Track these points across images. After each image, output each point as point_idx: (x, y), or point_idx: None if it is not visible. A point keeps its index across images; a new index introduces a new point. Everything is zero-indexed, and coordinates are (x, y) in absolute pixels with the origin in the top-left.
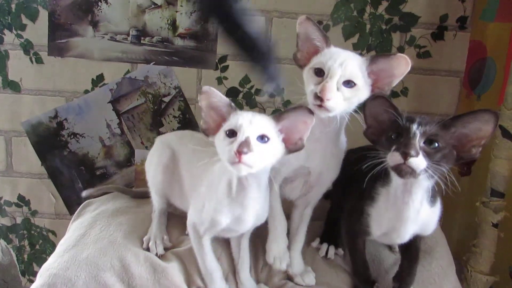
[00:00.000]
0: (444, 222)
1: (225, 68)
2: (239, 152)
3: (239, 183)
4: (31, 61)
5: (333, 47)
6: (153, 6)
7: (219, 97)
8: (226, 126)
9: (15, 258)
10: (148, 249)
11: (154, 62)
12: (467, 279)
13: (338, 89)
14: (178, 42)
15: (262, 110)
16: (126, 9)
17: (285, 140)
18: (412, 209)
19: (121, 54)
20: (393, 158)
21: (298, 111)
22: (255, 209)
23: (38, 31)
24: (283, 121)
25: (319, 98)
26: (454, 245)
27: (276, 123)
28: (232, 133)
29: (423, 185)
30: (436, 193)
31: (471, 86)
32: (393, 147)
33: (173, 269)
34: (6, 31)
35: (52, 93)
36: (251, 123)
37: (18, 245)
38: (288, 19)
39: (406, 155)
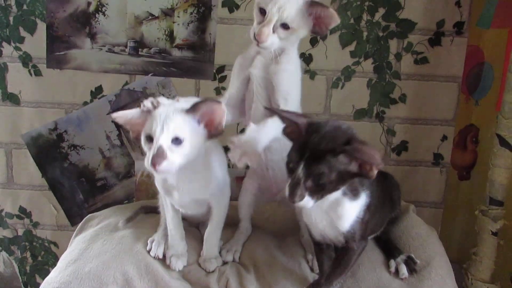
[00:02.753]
0: (444, 229)
1: (223, 79)
2: (154, 164)
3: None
4: (30, 74)
5: None
6: (150, 17)
7: (129, 114)
8: (144, 131)
9: (17, 270)
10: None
11: (152, 73)
12: (468, 287)
13: (274, 31)
14: (176, 53)
15: None
16: (124, 20)
17: (207, 126)
18: (321, 209)
19: (119, 65)
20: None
21: (208, 104)
22: (191, 187)
23: (36, 43)
24: (199, 112)
25: (256, 39)
26: (455, 252)
27: (193, 114)
28: (150, 138)
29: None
30: (356, 188)
31: (469, 91)
32: (288, 182)
33: (176, 284)
34: (4, 44)
35: (52, 105)
36: (163, 129)
37: (20, 256)
38: None
39: (291, 200)
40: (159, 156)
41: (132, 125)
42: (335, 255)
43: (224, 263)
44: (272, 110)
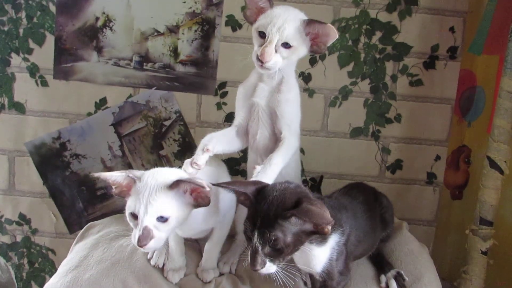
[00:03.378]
0: (436, 247)
1: (224, 94)
2: (140, 245)
3: None
4: (37, 84)
5: (275, 8)
6: (155, 33)
7: (113, 176)
8: (128, 208)
9: (13, 276)
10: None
11: (155, 87)
12: None
13: (276, 51)
14: (179, 68)
15: None
16: (130, 36)
17: (192, 194)
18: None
19: (124, 78)
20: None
21: (191, 184)
22: (195, 225)
23: (44, 55)
24: (182, 187)
25: (260, 60)
26: (446, 270)
27: (177, 188)
28: (134, 215)
29: None
30: (323, 236)
31: (462, 113)
32: (248, 250)
33: None
34: (13, 54)
35: (56, 115)
36: (147, 210)
37: (17, 263)
38: None
39: (253, 268)
40: (145, 236)
41: (113, 183)
42: None
43: (221, 274)
44: (219, 186)
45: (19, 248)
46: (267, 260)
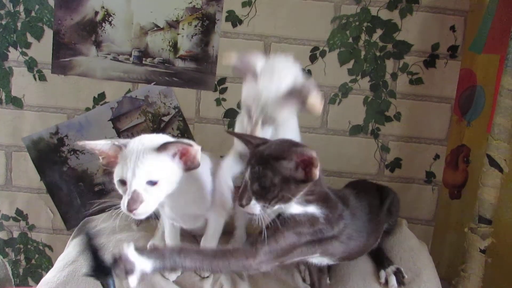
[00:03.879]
0: (435, 246)
1: (224, 90)
2: (130, 210)
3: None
4: (35, 78)
5: (260, 80)
6: (155, 28)
7: (99, 145)
8: (116, 175)
9: (10, 272)
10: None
11: (154, 82)
12: None
13: (264, 124)
14: (179, 63)
15: None
16: (129, 30)
17: (181, 159)
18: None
19: (123, 73)
20: None
21: (179, 144)
22: (182, 204)
23: (42, 49)
24: (171, 149)
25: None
26: (444, 268)
27: (165, 151)
28: (123, 182)
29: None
30: (309, 200)
31: (462, 112)
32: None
33: None
34: (11, 49)
35: (54, 109)
36: (135, 173)
37: (14, 259)
38: (286, 44)
39: (239, 203)
40: (134, 200)
41: (101, 153)
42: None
43: None
44: (232, 134)
45: (16, 244)
46: (253, 198)
